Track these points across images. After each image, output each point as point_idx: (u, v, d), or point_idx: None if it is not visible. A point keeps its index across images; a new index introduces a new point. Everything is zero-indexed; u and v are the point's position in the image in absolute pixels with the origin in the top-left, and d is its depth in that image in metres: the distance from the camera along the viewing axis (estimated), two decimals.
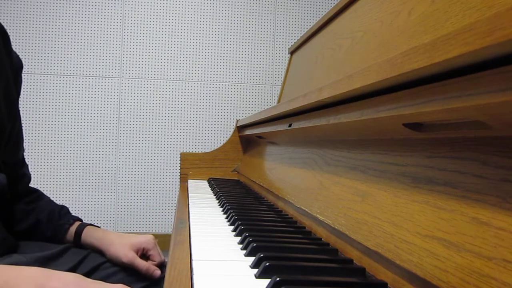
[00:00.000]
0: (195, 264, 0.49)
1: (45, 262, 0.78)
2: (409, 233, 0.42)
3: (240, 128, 1.59)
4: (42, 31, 2.78)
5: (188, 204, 0.95)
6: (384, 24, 0.73)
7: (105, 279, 0.85)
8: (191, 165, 1.56)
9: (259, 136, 1.32)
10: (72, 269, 0.84)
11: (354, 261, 0.52)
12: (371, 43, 0.77)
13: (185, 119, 3.01)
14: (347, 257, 0.53)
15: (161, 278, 0.86)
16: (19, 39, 2.74)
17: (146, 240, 0.89)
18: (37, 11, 2.77)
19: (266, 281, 0.42)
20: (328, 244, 0.60)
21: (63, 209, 0.96)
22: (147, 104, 2.97)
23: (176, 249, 0.56)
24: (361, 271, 0.48)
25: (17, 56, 0.90)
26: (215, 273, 0.47)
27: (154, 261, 0.89)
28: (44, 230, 0.92)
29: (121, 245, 0.87)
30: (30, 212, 0.93)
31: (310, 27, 1.33)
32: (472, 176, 0.36)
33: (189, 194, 1.12)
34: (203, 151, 1.67)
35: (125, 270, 0.87)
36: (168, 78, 2.99)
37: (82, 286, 0.59)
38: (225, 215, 0.83)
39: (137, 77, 2.97)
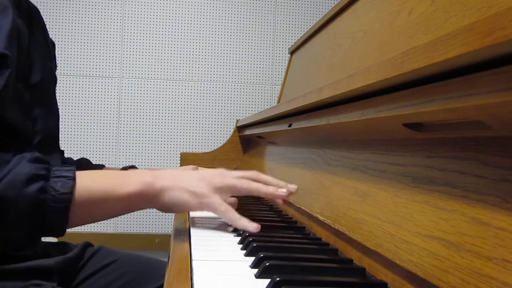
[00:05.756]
0: (195, 264, 0.49)
1: (67, 263, 0.80)
2: (409, 233, 0.42)
3: (240, 128, 1.59)
4: None
5: None
6: (384, 24, 0.73)
7: (112, 282, 0.86)
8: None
9: (259, 136, 1.32)
10: (84, 264, 0.86)
11: (354, 261, 0.52)
12: (371, 43, 0.78)
13: (185, 119, 3.01)
14: (347, 257, 0.53)
15: None
16: None
17: None
18: None
19: (266, 281, 0.42)
20: (328, 244, 0.60)
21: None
22: (147, 104, 2.97)
23: (176, 249, 0.56)
24: (361, 271, 0.48)
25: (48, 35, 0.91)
26: (215, 273, 0.47)
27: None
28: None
29: None
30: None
31: (310, 27, 1.33)
32: (472, 176, 0.36)
33: None
34: (203, 151, 1.67)
35: (131, 273, 0.88)
36: (168, 78, 2.99)
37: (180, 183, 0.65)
38: None
39: (137, 77, 2.97)
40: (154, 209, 0.66)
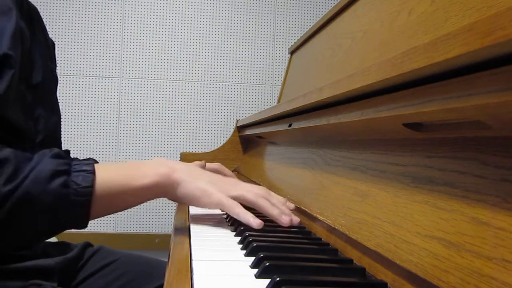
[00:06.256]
0: (195, 264, 0.49)
1: (67, 263, 0.80)
2: (409, 233, 0.42)
3: (240, 128, 1.59)
4: None
5: None
6: (384, 24, 0.73)
7: (112, 282, 0.86)
8: None
9: (259, 136, 1.32)
10: (84, 264, 0.87)
11: (354, 261, 0.52)
12: (371, 43, 0.78)
13: (185, 119, 3.01)
14: (347, 257, 0.53)
15: None
16: None
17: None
18: None
19: (266, 281, 0.42)
20: (328, 244, 0.60)
21: None
22: (147, 104, 2.97)
23: (176, 249, 0.56)
24: (361, 271, 0.48)
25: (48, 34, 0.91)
26: (215, 273, 0.47)
27: None
28: None
29: None
30: None
31: (310, 27, 1.33)
32: (472, 176, 0.36)
33: None
34: (203, 151, 1.67)
35: (130, 273, 0.88)
36: (168, 78, 2.99)
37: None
38: (225, 215, 0.83)
39: (137, 77, 2.97)
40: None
